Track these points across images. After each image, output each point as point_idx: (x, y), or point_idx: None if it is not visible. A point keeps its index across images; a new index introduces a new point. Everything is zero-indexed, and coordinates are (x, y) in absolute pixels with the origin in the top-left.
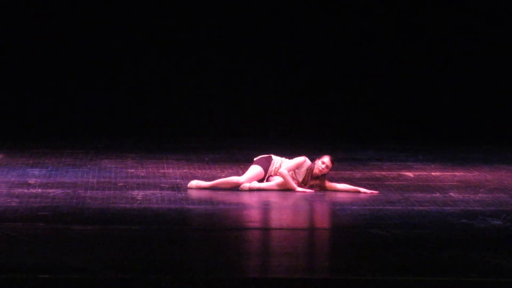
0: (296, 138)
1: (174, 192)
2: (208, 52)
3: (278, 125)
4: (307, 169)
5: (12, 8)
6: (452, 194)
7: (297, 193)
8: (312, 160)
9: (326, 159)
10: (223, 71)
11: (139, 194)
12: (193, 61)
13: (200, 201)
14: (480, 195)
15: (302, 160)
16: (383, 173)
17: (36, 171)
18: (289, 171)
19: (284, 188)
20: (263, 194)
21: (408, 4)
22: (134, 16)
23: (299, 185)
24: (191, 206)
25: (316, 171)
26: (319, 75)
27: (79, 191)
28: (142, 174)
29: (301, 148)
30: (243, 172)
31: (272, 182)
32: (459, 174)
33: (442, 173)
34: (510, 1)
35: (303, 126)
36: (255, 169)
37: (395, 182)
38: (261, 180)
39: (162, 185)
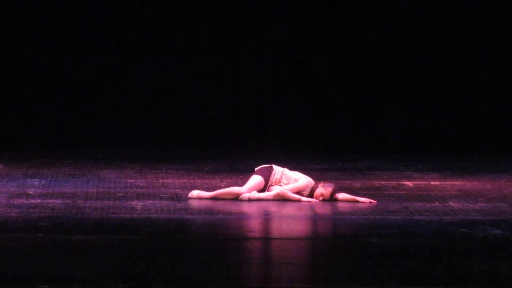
0: (296, 146)
1: (173, 202)
2: (207, 61)
3: (278, 134)
4: (311, 189)
5: (12, 17)
6: (451, 203)
7: (297, 203)
8: (316, 178)
9: (327, 191)
10: (223, 81)
11: (138, 204)
12: (192, 70)
13: (199, 211)
14: (479, 204)
15: (304, 185)
16: (383, 182)
17: (35, 182)
18: (290, 192)
19: (284, 198)
20: (263, 203)
21: (409, 10)
22: (134, 22)
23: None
24: (190, 216)
25: (313, 196)
26: (319, 85)
27: (79, 201)
28: (142, 184)
29: (300, 157)
30: (243, 182)
31: (272, 192)
32: (459, 183)
33: (442, 183)
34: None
35: (302, 135)
36: (255, 179)
37: (394, 192)
38: (261, 190)
39: (161, 195)
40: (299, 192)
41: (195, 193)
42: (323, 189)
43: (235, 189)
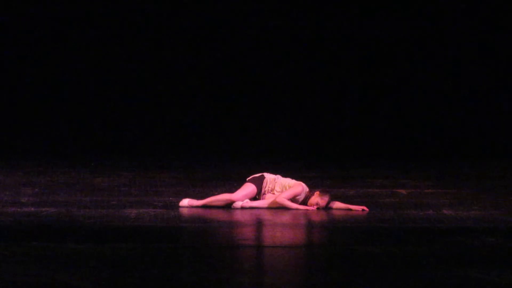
0: (290, 155)
1: (167, 210)
2: (201, 70)
3: (272, 143)
4: (306, 195)
5: (9, 28)
6: (445, 211)
7: (290, 211)
8: (311, 185)
9: (323, 201)
10: (216, 89)
11: (132, 212)
12: (186, 79)
13: (193, 219)
14: (473, 212)
15: (299, 190)
16: (376, 190)
17: (28, 190)
18: (287, 199)
19: (277, 207)
20: (256, 211)
21: (408, 18)
22: (134, 30)
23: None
24: (184, 224)
25: (308, 203)
26: (314, 94)
27: (72, 210)
28: (135, 192)
29: (295, 165)
30: (235, 190)
31: (265, 201)
32: (452, 191)
33: (435, 190)
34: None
35: (296, 143)
36: (247, 187)
37: (388, 200)
38: (254, 198)
39: (155, 203)
40: (294, 198)
41: (186, 201)
42: (319, 199)
43: (226, 195)
